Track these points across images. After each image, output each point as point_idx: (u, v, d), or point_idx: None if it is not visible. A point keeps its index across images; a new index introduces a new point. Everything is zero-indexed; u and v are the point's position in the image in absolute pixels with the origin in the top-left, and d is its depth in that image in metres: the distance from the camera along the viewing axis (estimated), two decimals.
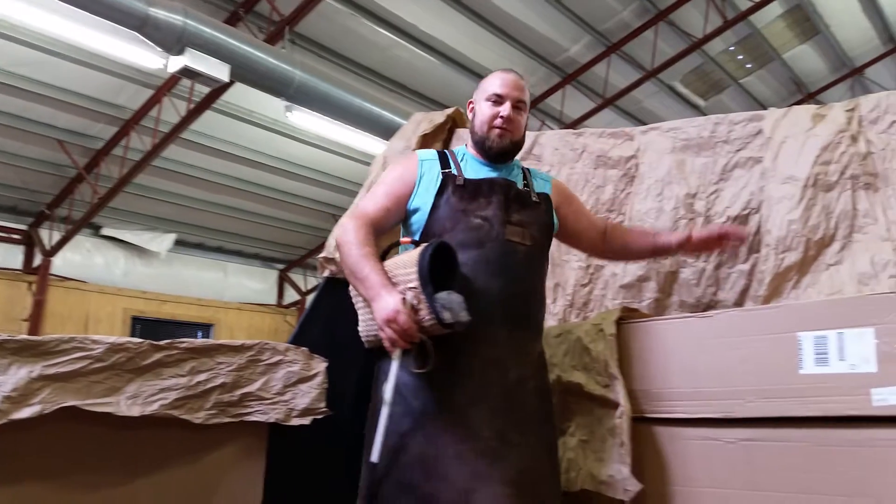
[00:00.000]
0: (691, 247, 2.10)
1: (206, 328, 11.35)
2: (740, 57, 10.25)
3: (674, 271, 2.47)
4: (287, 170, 9.92)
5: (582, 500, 1.99)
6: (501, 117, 1.99)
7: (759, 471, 1.69)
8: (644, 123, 2.80)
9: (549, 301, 2.69)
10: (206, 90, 7.41)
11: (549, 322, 2.65)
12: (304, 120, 8.02)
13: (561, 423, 2.07)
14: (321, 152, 9.60)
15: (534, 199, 2.02)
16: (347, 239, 1.85)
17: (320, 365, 2.22)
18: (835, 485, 1.58)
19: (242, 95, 8.08)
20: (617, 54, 9.35)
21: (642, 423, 1.90)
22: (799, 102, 10.00)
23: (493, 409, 1.78)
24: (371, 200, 2.01)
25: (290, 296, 12.83)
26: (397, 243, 1.94)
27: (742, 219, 2.37)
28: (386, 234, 2.15)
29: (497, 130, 2.00)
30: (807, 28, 9.96)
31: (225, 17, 7.17)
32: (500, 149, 2.02)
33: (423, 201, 1.98)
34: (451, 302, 1.67)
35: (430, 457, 1.72)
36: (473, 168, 2.05)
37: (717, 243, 2.10)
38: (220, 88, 7.19)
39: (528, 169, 2.14)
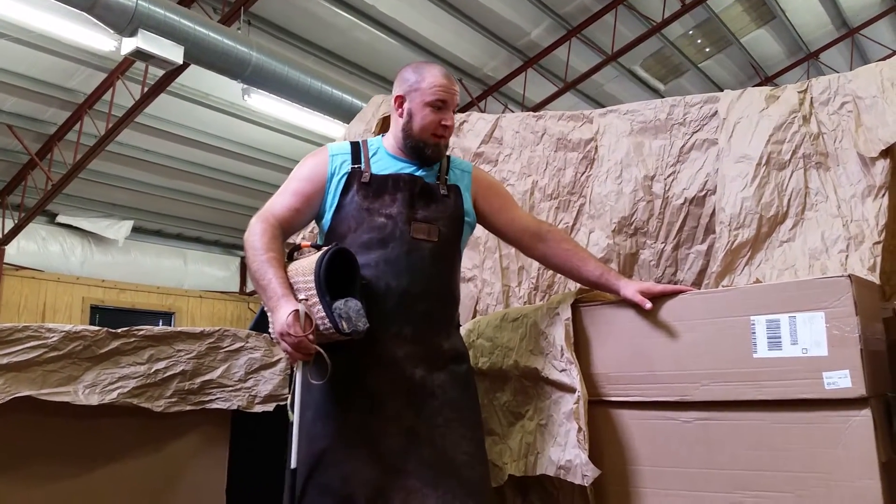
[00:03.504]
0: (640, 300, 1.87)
1: (167, 316, 11.18)
2: (699, 41, 10.38)
3: (634, 253, 2.51)
4: (246, 154, 9.77)
5: (542, 483, 2.02)
6: (445, 126, 1.94)
7: (715, 449, 1.72)
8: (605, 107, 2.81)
9: (513, 284, 2.71)
10: (160, 73, 7.24)
11: (514, 304, 2.67)
12: (263, 103, 7.90)
13: (519, 407, 2.09)
14: (281, 136, 9.48)
15: (442, 192, 1.96)
16: (252, 243, 1.82)
17: None
18: (788, 461, 1.61)
19: (199, 78, 7.92)
20: (577, 38, 9.39)
21: (601, 406, 1.92)
22: (757, 86, 10.15)
23: (398, 406, 1.79)
24: (280, 200, 1.94)
25: None
26: (299, 246, 1.87)
27: (699, 200, 2.41)
28: (298, 231, 2.08)
29: (443, 139, 1.96)
30: (763, 12, 10.12)
31: None
32: (439, 156, 1.98)
33: (332, 200, 1.93)
34: (349, 310, 1.67)
35: (344, 459, 1.74)
36: (385, 163, 1.98)
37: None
38: (174, 71, 7.03)
39: (449, 157, 2.08)
